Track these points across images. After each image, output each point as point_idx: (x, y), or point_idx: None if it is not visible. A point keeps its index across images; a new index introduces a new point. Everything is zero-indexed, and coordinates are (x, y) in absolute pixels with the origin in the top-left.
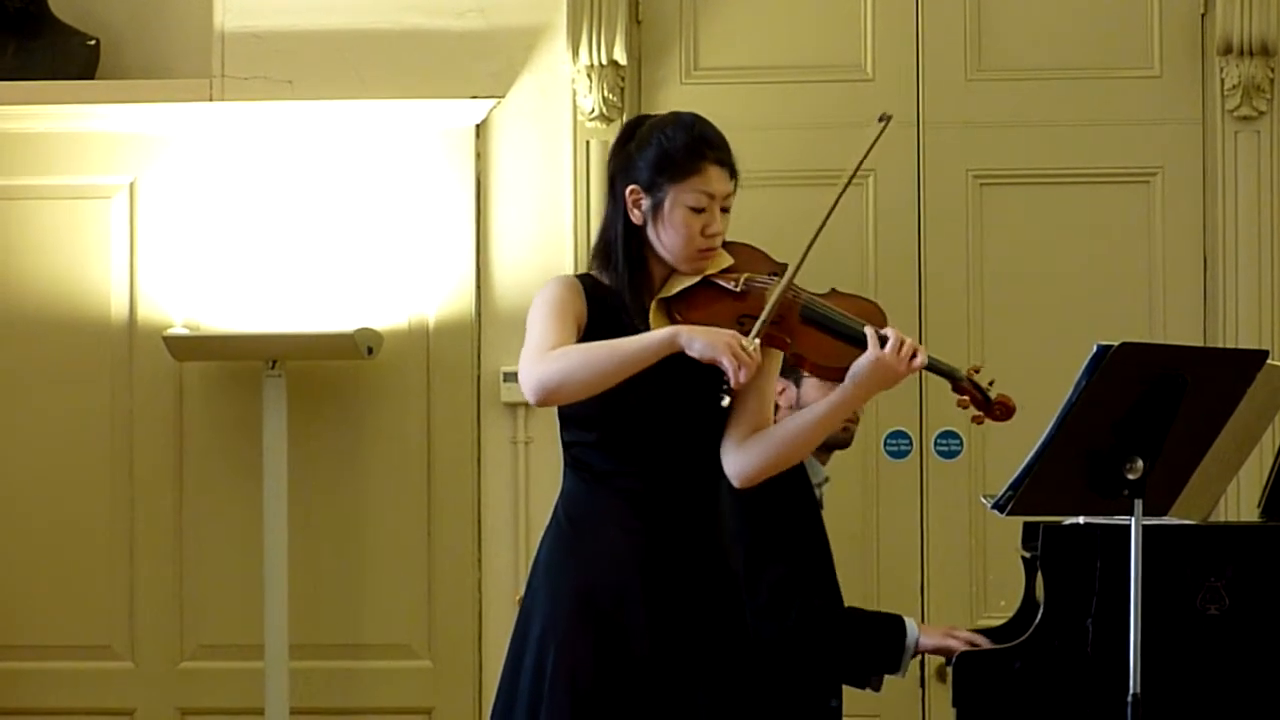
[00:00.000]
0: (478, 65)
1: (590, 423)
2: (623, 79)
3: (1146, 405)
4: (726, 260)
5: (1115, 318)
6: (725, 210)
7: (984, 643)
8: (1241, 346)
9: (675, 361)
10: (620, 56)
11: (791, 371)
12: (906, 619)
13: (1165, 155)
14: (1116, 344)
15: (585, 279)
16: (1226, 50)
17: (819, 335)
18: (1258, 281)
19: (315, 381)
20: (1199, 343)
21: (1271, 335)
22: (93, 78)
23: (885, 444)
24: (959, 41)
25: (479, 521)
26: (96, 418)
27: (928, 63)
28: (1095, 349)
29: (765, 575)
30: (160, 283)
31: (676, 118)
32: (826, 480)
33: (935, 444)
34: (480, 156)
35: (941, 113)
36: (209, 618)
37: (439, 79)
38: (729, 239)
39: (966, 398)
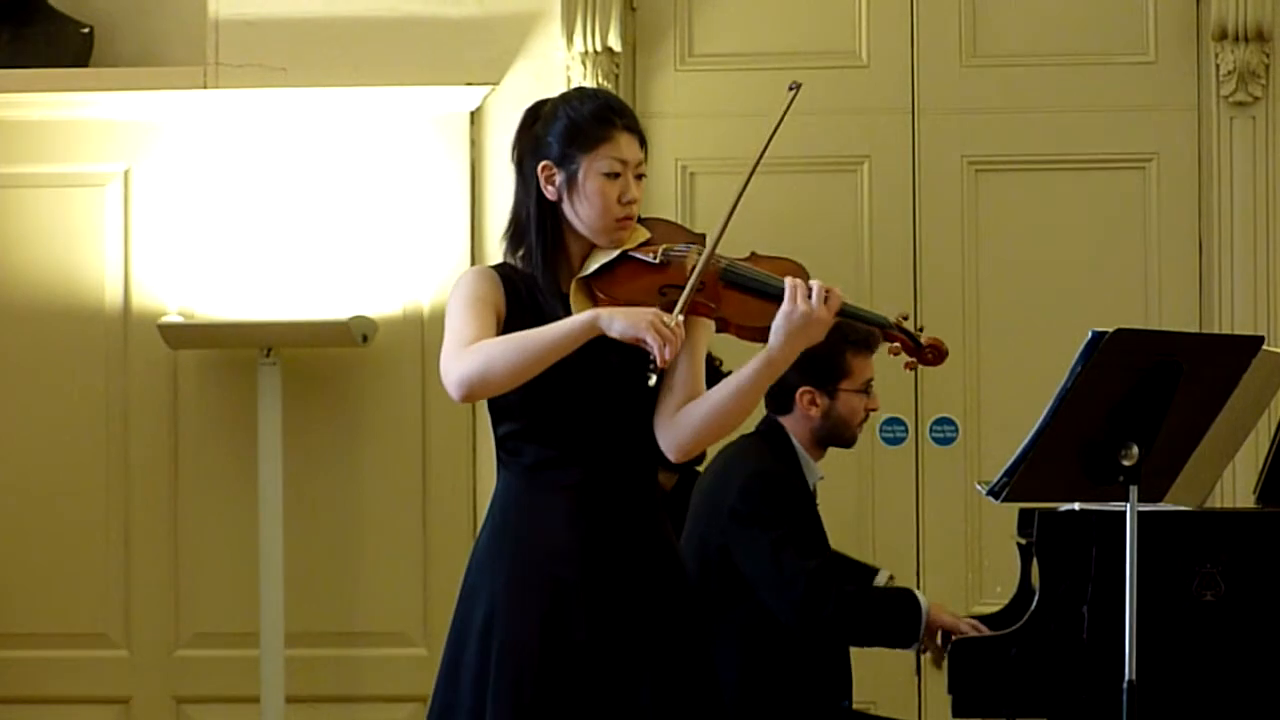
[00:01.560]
0: (472, 52)
1: (516, 411)
2: (617, 66)
3: (1142, 391)
4: (644, 234)
5: (1111, 303)
6: (640, 178)
7: (981, 628)
8: (1237, 332)
9: (599, 341)
10: (615, 43)
11: (826, 383)
12: (915, 591)
13: (1161, 141)
14: (1111, 330)
15: (501, 267)
16: (1222, 36)
17: (742, 297)
18: (1253, 267)
19: (310, 369)
20: (1194, 328)
21: (1267, 321)
22: (87, 65)
23: (880, 430)
24: (954, 28)
25: (474, 508)
26: (91, 406)
27: (922, 49)
28: (1090, 335)
29: (800, 569)
30: (155, 271)
31: (580, 92)
32: (821, 478)
33: (930, 430)
34: (475, 143)
35: (937, 99)
36: (204, 606)
37: (433, 66)
38: (644, 215)
39: (898, 344)
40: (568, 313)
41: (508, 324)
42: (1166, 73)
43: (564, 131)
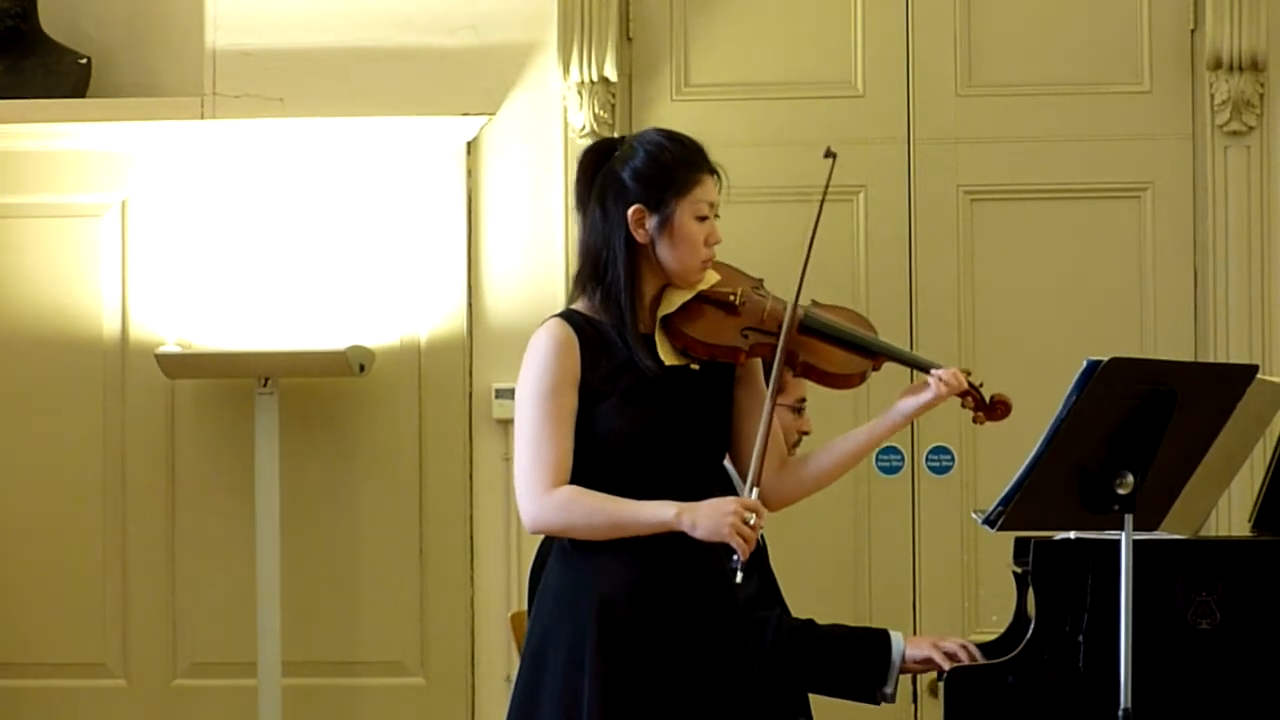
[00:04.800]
0: (469, 82)
1: (591, 460)
2: (614, 96)
3: (1137, 420)
4: (715, 276)
5: (1106, 332)
6: (717, 216)
7: (974, 650)
8: (1231, 361)
9: (686, 390)
10: (611, 73)
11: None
12: (892, 633)
13: (1155, 170)
14: (1107, 359)
15: (573, 319)
16: (1216, 65)
17: (824, 345)
18: (1247, 296)
19: (307, 399)
20: (1189, 357)
21: (1261, 350)
22: (84, 96)
23: (877, 459)
24: (949, 57)
25: (471, 538)
26: (89, 436)
27: (918, 78)
28: (1085, 364)
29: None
30: (152, 301)
31: (658, 135)
32: None
33: (927, 459)
34: (471, 173)
35: (932, 128)
36: (202, 635)
37: (430, 96)
38: None
39: (969, 398)
40: (651, 355)
41: (584, 386)
42: (1161, 102)
43: (654, 175)
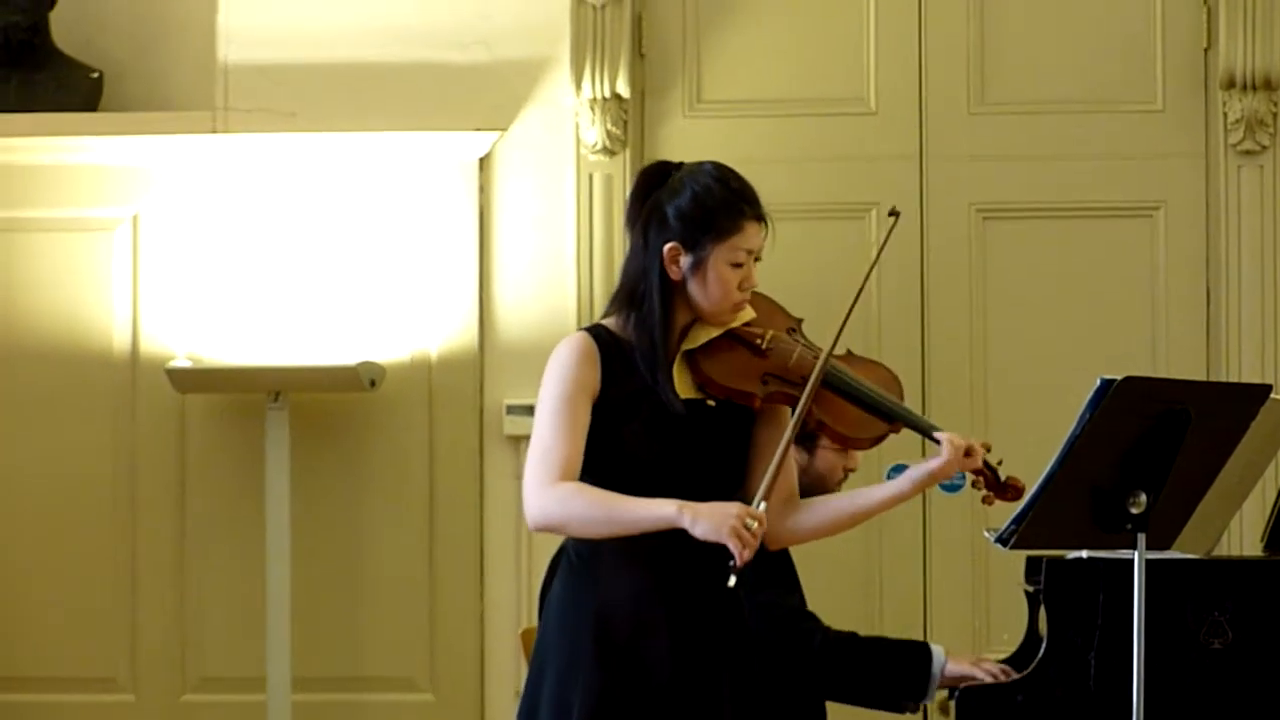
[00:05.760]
0: (481, 98)
1: (609, 478)
2: (626, 112)
3: (1150, 439)
4: (749, 314)
5: (1119, 351)
6: (757, 260)
7: (1011, 674)
8: (1245, 381)
9: (703, 425)
10: (623, 89)
11: (805, 439)
12: (933, 645)
13: (1168, 189)
14: (1120, 378)
15: (599, 334)
16: (1230, 84)
17: (843, 403)
18: (1260, 315)
19: (318, 414)
20: (1202, 377)
21: (1275, 369)
22: (96, 110)
23: (887, 477)
24: (962, 75)
25: (481, 554)
26: (99, 450)
27: (931, 96)
28: (1099, 383)
29: (783, 605)
30: (163, 315)
31: (709, 173)
32: None
33: None
34: (483, 189)
35: (944, 146)
36: (211, 650)
37: (442, 112)
38: None
39: (981, 478)
40: (670, 388)
41: (601, 400)
42: (1175, 121)
43: (696, 216)
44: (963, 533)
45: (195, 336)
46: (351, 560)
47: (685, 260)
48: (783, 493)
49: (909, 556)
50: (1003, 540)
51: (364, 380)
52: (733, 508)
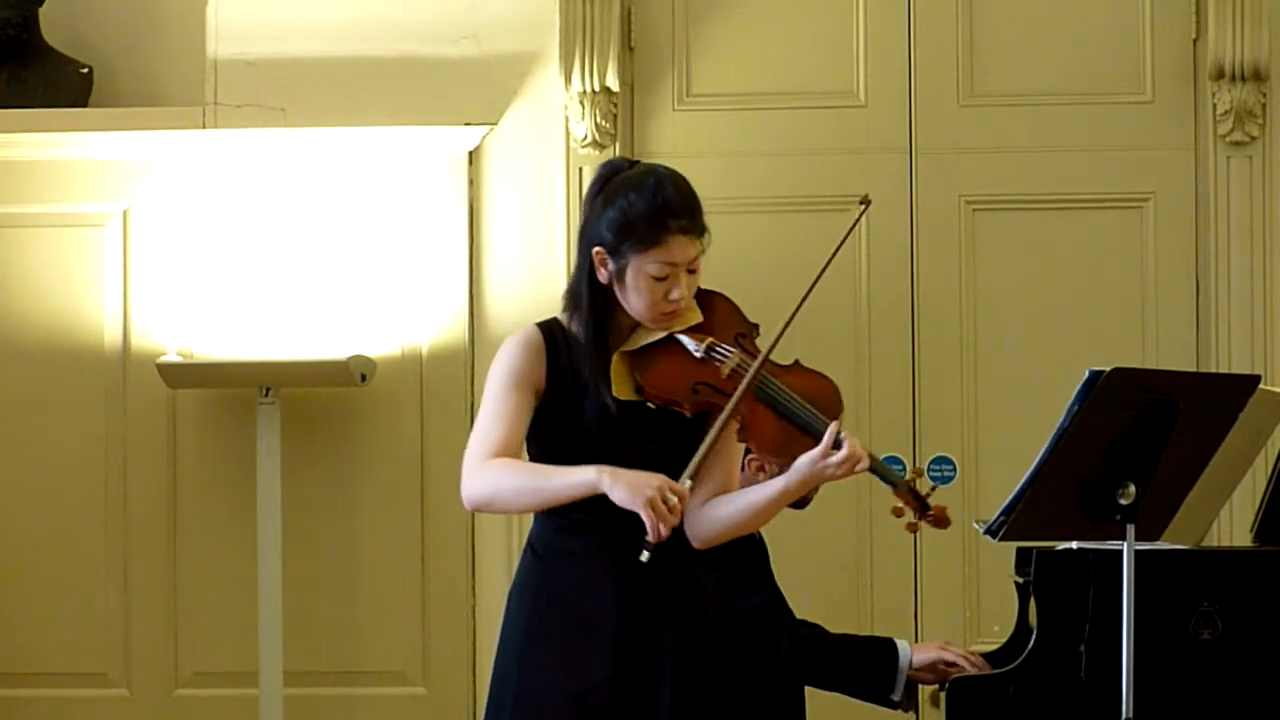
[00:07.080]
0: (471, 92)
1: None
2: (615, 105)
3: (1139, 430)
4: (696, 316)
5: (1108, 343)
6: (692, 272)
7: (980, 661)
8: (1234, 371)
9: (642, 424)
10: (613, 83)
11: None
12: (898, 641)
13: (1157, 180)
14: (1109, 369)
15: (549, 329)
16: (1219, 75)
17: (770, 417)
18: (1249, 306)
19: (309, 409)
20: (1191, 368)
21: (1263, 360)
22: (86, 105)
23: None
24: (951, 67)
25: (473, 548)
26: (90, 445)
27: (920, 88)
28: (1087, 374)
29: (748, 606)
30: (153, 310)
31: (643, 181)
32: None
33: (929, 469)
34: (473, 183)
35: (934, 138)
36: (204, 645)
37: (432, 106)
38: (709, 287)
39: (902, 504)
40: (608, 387)
41: (547, 394)
42: (1164, 112)
43: (618, 225)
44: (953, 524)
45: (186, 331)
46: (343, 554)
47: (610, 264)
48: (718, 483)
49: (899, 548)
50: (992, 531)
51: (355, 374)
52: (654, 478)
